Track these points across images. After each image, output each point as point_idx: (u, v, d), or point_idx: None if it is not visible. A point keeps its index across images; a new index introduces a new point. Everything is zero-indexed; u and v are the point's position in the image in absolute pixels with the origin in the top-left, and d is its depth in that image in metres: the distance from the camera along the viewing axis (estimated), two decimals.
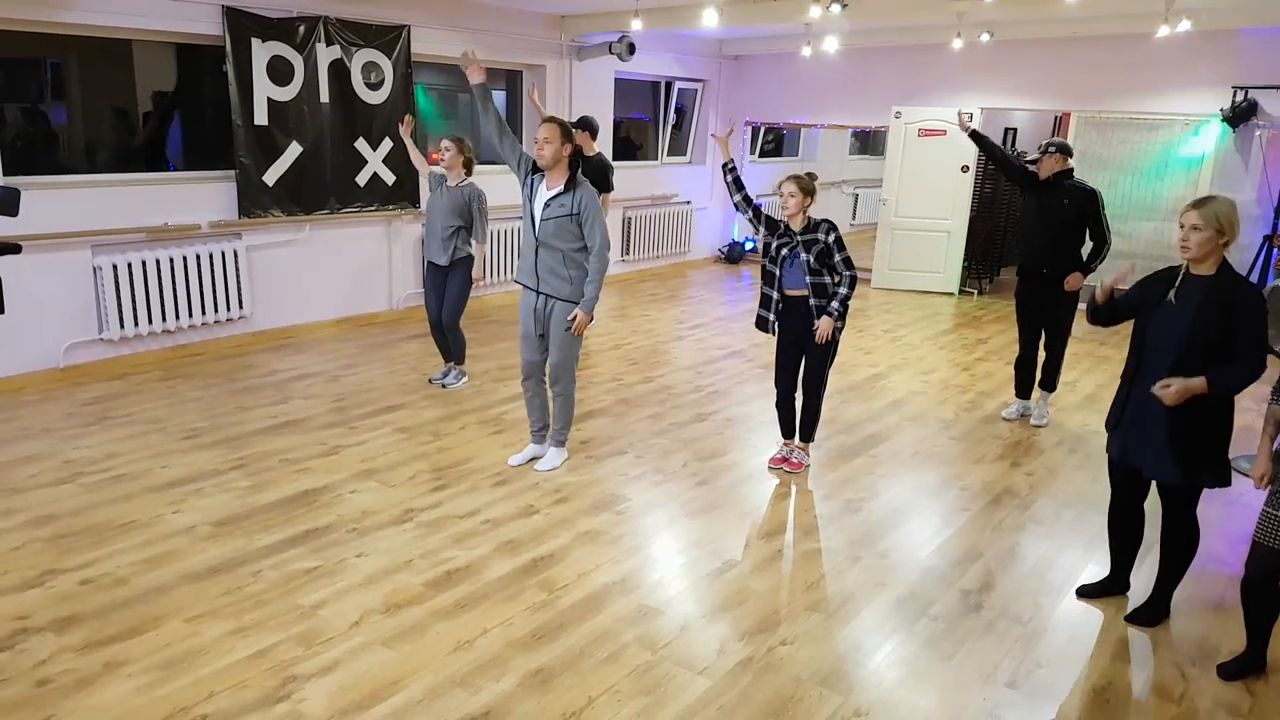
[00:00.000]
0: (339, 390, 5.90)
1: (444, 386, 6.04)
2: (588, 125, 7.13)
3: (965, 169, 9.53)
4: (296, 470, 4.61)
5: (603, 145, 9.02)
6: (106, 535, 3.85)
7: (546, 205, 4.36)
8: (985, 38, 8.24)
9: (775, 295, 4.66)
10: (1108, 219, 5.31)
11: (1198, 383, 3.07)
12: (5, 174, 5.48)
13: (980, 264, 10.00)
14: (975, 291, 9.92)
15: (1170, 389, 3.09)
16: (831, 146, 13.10)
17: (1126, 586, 3.68)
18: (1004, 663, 3.19)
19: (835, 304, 4.51)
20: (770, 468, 4.90)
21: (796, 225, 4.55)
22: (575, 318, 4.42)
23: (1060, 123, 10.83)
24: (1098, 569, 3.85)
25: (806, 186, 4.52)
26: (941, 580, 3.76)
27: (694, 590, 3.61)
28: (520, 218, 4.69)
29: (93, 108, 7.37)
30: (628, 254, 10.21)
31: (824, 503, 4.51)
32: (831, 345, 4.64)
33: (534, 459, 4.80)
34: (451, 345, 6.04)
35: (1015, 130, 11.24)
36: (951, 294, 9.86)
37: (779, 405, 4.89)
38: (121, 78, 7.30)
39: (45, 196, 5.60)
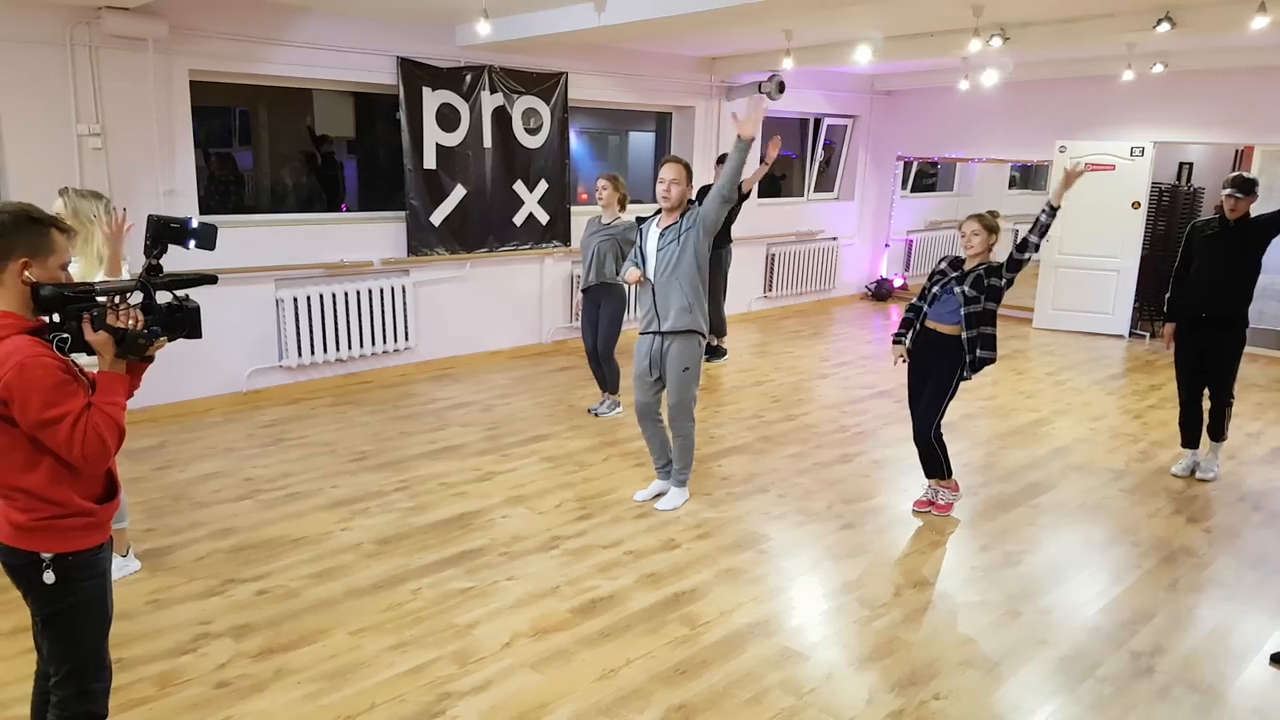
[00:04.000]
0: (492, 419, 6.13)
1: (596, 415, 6.19)
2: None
3: (1136, 205, 8.99)
4: (453, 494, 4.82)
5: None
6: (281, 549, 4.14)
7: (662, 235, 4.43)
8: (1158, 68, 7.79)
9: (919, 324, 4.58)
10: None
11: None
12: (200, 213, 6.04)
13: (1153, 306, 9.37)
14: (1148, 335, 9.29)
15: None
16: (989, 181, 12.66)
17: None
18: None
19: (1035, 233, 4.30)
20: (915, 511, 4.73)
21: (971, 265, 4.41)
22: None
23: (1241, 157, 10.08)
24: None
25: (990, 224, 4.36)
26: (1110, 641, 3.52)
27: (840, 637, 3.52)
28: None
29: (277, 152, 8.04)
30: (770, 290, 10.17)
31: (981, 554, 4.31)
32: (954, 376, 4.47)
33: (659, 495, 4.81)
34: (606, 375, 6.21)
35: (1190, 165, 10.52)
36: (1121, 336, 9.27)
37: (917, 441, 4.71)
38: (302, 124, 7.93)
39: (235, 234, 6.12)
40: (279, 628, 3.46)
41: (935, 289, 4.49)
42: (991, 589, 3.94)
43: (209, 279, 2.33)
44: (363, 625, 3.48)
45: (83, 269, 3.47)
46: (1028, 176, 13.27)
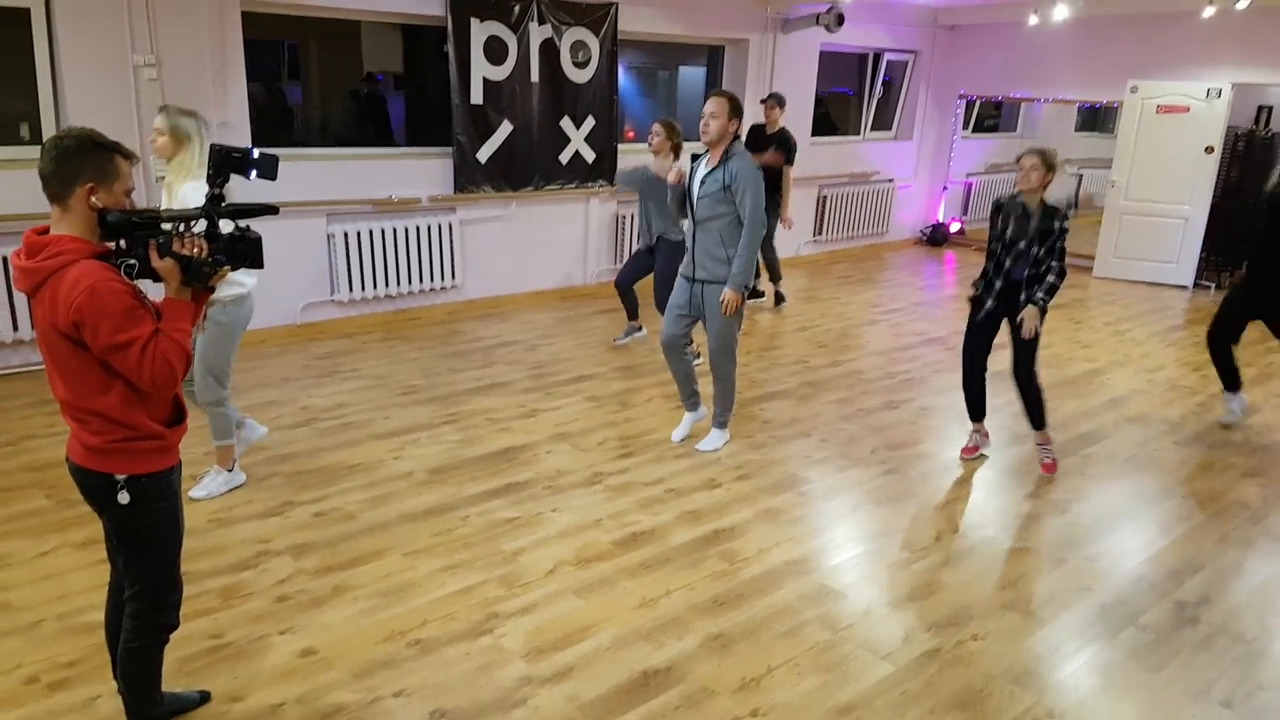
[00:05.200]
0: (537, 359, 6.20)
1: (615, 342, 6.37)
2: (779, 100, 7.36)
3: (1209, 150, 8.63)
4: (499, 429, 4.91)
5: (801, 121, 8.90)
6: (337, 475, 4.27)
7: (701, 183, 4.33)
8: (1242, 4, 7.40)
9: (1000, 283, 4.39)
10: None
11: None
12: (252, 146, 6.10)
13: (1221, 256, 9.05)
14: (1213, 285, 8.99)
15: None
16: (1055, 122, 12.23)
17: None
18: (1220, 681, 2.94)
19: (1042, 294, 4.23)
20: (963, 458, 4.70)
21: (1033, 202, 4.26)
22: (725, 299, 4.32)
23: None
24: None
25: (1050, 161, 4.20)
26: (1154, 590, 3.49)
27: (879, 577, 3.55)
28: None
29: (326, 86, 8.04)
30: (820, 234, 10.01)
31: (1028, 501, 4.28)
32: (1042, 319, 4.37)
33: (691, 433, 4.80)
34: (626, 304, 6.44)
35: (1270, 109, 10.02)
36: (1185, 287, 8.99)
37: (967, 385, 4.63)
38: (351, 59, 7.90)
39: (287, 168, 6.07)
40: (336, 548, 3.59)
41: (1008, 261, 4.31)
42: (1036, 536, 3.92)
43: (270, 209, 2.36)
44: (415, 548, 3.60)
45: (178, 189, 3.56)
46: (1095, 118, 12.77)
